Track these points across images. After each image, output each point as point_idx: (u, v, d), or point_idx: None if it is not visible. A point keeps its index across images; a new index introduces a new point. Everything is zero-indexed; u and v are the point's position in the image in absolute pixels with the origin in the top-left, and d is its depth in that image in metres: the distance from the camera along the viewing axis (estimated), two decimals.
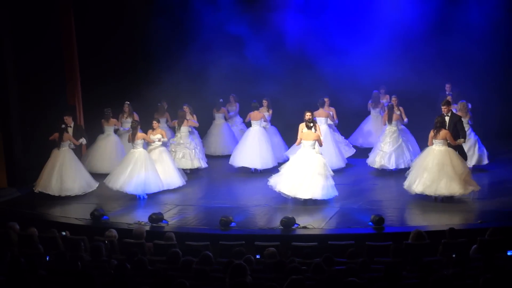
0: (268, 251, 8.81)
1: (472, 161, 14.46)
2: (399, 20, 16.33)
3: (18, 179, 15.16)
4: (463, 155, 12.74)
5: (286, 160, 13.81)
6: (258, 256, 9.22)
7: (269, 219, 12.09)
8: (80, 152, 15.54)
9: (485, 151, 14.89)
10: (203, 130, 17.57)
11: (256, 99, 16.26)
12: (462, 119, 13.35)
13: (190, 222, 12.10)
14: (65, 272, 7.99)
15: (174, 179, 14.31)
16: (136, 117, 16.04)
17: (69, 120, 14.61)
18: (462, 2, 16.59)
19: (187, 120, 15.82)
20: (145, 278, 7.69)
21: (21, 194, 14.41)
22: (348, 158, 16.07)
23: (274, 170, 14.02)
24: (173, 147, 15.67)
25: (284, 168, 12.92)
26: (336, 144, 15.75)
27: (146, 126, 14.94)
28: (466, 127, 13.84)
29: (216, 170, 16.36)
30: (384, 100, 17.16)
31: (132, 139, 13.87)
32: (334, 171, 13.52)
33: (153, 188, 13.79)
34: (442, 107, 13.00)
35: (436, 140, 12.38)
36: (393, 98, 15.76)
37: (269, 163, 15.59)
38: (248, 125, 16.29)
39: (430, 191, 12.28)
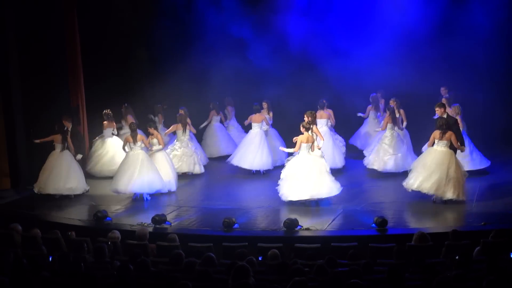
0: (271, 253, 8.81)
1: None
2: (403, 22, 16.28)
3: (21, 180, 15.19)
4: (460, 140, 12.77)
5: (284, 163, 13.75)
6: (260, 258, 9.21)
7: (272, 221, 12.08)
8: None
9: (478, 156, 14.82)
10: (200, 132, 17.71)
11: (257, 102, 16.27)
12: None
13: (193, 223, 12.10)
14: (68, 273, 7.99)
15: (173, 182, 14.35)
16: (130, 119, 16.16)
17: (67, 123, 14.68)
18: (465, 3, 16.54)
19: (189, 124, 15.92)
20: (148, 279, 7.70)
21: (24, 196, 14.43)
22: (347, 159, 16.05)
23: (274, 172, 13.98)
24: (181, 151, 15.70)
25: (287, 176, 12.90)
26: (336, 145, 15.79)
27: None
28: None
29: (218, 172, 16.36)
30: (381, 103, 17.14)
31: (133, 140, 13.87)
32: (333, 170, 13.67)
33: (157, 187, 13.81)
34: (436, 108, 13.04)
35: (440, 141, 12.37)
36: (392, 101, 15.76)
37: (269, 165, 15.65)
38: (249, 127, 16.31)
39: (427, 190, 12.27)
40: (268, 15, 17.12)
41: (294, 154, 12.96)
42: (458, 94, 16.26)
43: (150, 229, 11.28)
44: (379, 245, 9.79)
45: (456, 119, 13.31)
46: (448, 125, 12.44)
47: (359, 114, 17.27)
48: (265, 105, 16.37)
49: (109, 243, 9.78)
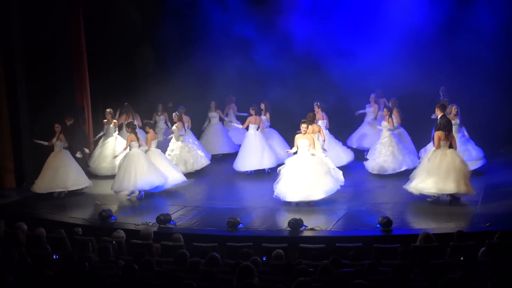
0: (275, 253, 8.80)
1: None
2: (408, 22, 16.24)
3: (26, 179, 15.22)
4: None
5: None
6: (264, 258, 9.21)
7: (276, 221, 12.08)
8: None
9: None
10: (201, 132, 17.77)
11: (256, 104, 16.27)
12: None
13: (198, 223, 12.09)
14: (72, 273, 8.00)
15: (175, 175, 14.40)
16: (123, 118, 16.26)
17: (68, 121, 14.94)
18: (471, 4, 16.49)
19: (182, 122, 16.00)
20: (153, 279, 7.70)
21: (29, 195, 14.44)
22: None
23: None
24: (187, 149, 15.76)
25: (284, 175, 12.92)
26: (338, 142, 15.86)
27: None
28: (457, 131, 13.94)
29: (222, 171, 16.35)
30: (379, 103, 17.10)
31: (134, 140, 13.93)
32: (341, 167, 13.72)
33: (157, 183, 13.86)
34: (436, 108, 13.05)
35: (444, 142, 12.38)
36: (392, 102, 15.76)
37: (274, 162, 15.63)
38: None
39: (438, 190, 12.25)
40: (272, 15, 17.11)
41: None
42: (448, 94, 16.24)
43: (155, 229, 11.29)
44: (383, 245, 9.78)
45: (451, 121, 13.30)
46: (439, 125, 12.48)
47: (360, 112, 17.21)
48: (263, 106, 16.35)
49: (114, 242, 9.79)
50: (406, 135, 15.96)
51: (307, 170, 12.70)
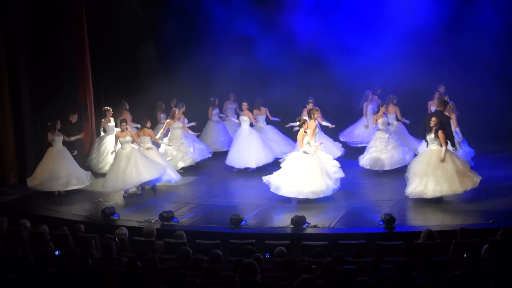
0: (278, 250, 8.80)
1: None
2: (412, 20, 16.21)
3: (29, 176, 15.20)
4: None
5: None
6: (267, 255, 9.21)
7: (279, 218, 12.07)
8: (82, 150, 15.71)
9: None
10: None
11: (246, 99, 16.27)
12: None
13: (200, 220, 12.10)
14: (75, 270, 8.01)
15: (170, 174, 14.44)
16: (126, 115, 16.28)
17: (72, 118, 15.01)
18: (475, 1, 16.45)
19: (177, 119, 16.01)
20: (156, 276, 7.70)
21: (32, 192, 14.43)
22: (348, 159, 16.00)
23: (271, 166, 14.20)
24: (185, 144, 15.77)
25: (281, 170, 12.98)
26: (328, 136, 15.88)
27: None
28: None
29: (224, 169, 16.33)
30: (373, 100, 17.07)
31: (124, 136, 13.97)
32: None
33: (156, 174, 13.87)
34: (438, 102, 13.01)
35: (435, 140, 12.40)
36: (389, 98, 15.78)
37: (264, 160, 15.66)
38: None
39: (445, 193, 12.24)
40: (275, 13, 17.10)
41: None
42: (460, 92, 16.22)
43: (158, 226, 11.30)
44: (386, 242, 9.78)
45: (449, 118, 13.29)
46: (441, 123, 12.44)
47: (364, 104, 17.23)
48: (244, 105, 16.28)
49: (117, 239, 9.81)
50: (404, 132, 15.90)
51: (301, 168, 12.72)
